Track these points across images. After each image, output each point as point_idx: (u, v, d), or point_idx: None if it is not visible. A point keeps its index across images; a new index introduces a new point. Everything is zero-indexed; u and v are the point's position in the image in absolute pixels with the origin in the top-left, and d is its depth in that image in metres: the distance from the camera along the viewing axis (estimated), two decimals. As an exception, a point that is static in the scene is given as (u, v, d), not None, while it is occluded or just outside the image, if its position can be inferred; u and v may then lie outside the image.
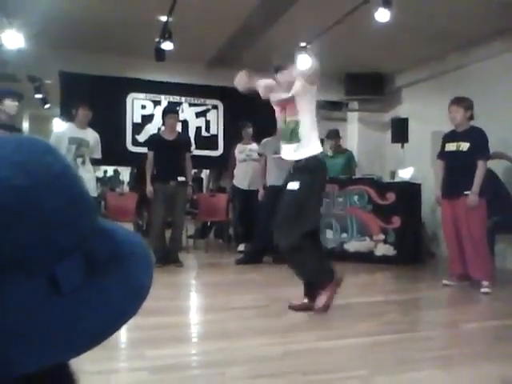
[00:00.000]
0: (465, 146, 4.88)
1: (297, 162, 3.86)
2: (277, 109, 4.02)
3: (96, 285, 0.49)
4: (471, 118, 4.96)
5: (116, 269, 0.52)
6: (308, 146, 3.84)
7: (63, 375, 0.56)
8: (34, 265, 0.45)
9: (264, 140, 6.82)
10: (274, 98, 3.98)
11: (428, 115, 7.90)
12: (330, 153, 7.87)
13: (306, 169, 3.82)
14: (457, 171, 4.91)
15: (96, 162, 6.08)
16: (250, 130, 7.40)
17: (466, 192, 4.80)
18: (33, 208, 0.45)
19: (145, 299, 0.54)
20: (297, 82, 3.84)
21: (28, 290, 0.45)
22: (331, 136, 7.82)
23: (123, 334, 3.15)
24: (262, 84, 4.00)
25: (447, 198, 5.02)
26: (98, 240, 0.52)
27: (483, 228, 4.90)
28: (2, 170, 0.45)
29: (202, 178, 12.66)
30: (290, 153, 3.89)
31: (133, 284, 0.53)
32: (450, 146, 5.02)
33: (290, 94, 3.86)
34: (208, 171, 10.84)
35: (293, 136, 3.86)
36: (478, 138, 4.85)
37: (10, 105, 4.97)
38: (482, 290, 4.69)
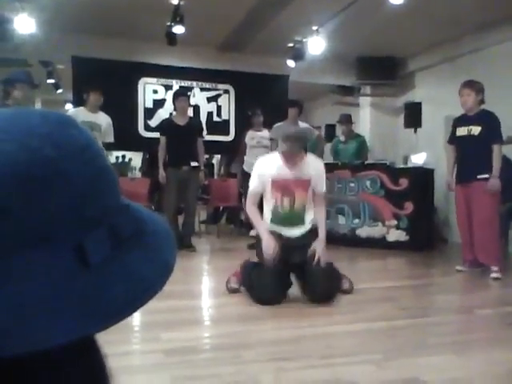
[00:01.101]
0: (476, 130, 4.80)
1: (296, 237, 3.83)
2: (277, 191, 3.76)
3: (121, 259, 0.49)
4: (482, 101, 4.87)
5: (141, 244, 0.52)
6: (309, 224, 3.87)
7: (91, 349, 0.56)
8: (62, 235, 0.45)
9: (276, 125, 6.79)
10: (283, 175, 3.74)
11: (441, 99, 7.82)
12: (342, 138, 7.84)
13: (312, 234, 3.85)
14: (469, 156, 4.84)
15: (109, 147, 6.07)
16: (261, 118, 7.38)
17: (478, 176, 4.74)
18: (61, 179, 0.46)
19: (169, 276, 0.54)
20: (318, 174, 3.82)
21: (55, 261, 0.45)
22: (343, 121, 7.77)
23: (137, 316, 3.18)
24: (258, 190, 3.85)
25: (460, 183, 4.96)
26: (122, 214, 0.52)
27: (495, 213, 4.84)
28: (31, 140, 0.45)
29: (213, 164, 12.65)
30: (292, 233, 3.83)
31: (158, 260, 0.53)
32: (461, 131, 4.94)
33: (308, 176, 3.76)
34: (219, 156, 10.84)
35: (298, 221, 3.82)
36: (489, 122, 4.76)
37: (21, 93, 4.65)
38: (492, 275, 4.66)
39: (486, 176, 4.71)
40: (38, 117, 0.49)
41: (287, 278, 3.75)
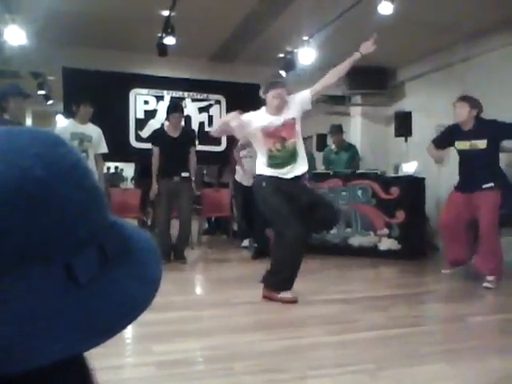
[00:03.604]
0: (482, 143, 4.70)
1: (293, 178, 4.10)
2: (268, 138, 4.06)
3: (110, 277, 0.50)
4: (477, 117, 4.80)
5: (128, 262, 0.53)
6: (303, 163, 4.15)
7: (79, 368, 0.56)
8: (53, 255, 0.46)
9: None
10: (272, 124, 4.05)
11: (432, 108, 7.87)
12: (333, 148, 7.85)
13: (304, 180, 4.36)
14: (474, 169, 4.76)
15: (104, 158, 6.08)
16: None
17: (484, 186, 4.68)
18: (52, 199, 0.46)
19: (157, 291, 0.55)
20: (300, 99, 4.13)
21: (46, 280, 0.45)
22: (334, 132, 7.79)
23: (129, 329, 3.15)
24: (234, 124, 4.06)
25: (461, 191, 4.89)
26: (110, 232, 0.53)
27: (497, 222, 4.77)
28: (22, 161, 0.45)
29: (203, 174, 12.60)
30: (286, 173, 4.08)
31: (145, 276, 0.54)
32: (461, 145, 4.85)
33: (291, 116, 4.09)
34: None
35: (292, 158, 4.10)
36: (495, 131, 4.68)
37: (14, 105, 4.69)
38: (485, 284, 4.65)
39: (492, 185, 4.68)
40: (27, 136, 0.49)
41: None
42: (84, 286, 0.47)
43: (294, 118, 4.10)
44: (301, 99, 4.14)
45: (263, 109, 4.20)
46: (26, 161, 0.46)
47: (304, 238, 3.99)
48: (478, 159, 4.74)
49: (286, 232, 3.90)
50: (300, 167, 4.12)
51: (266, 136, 4.06)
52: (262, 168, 4.13)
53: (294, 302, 3.94)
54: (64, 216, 0.46)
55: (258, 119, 4.11)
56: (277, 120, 4.06)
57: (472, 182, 4.78)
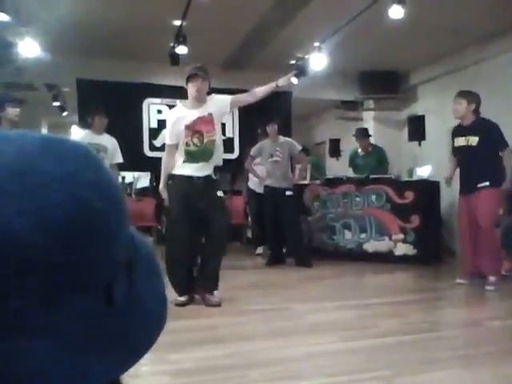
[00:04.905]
0: (474, 140, 4.79)
1: (204, 177, 4.13)
2: (187, 131, 4.10)
3: (135, 292, 0.49)
4: (476, 111, 4.87)
5: (143, 273, 0.52)
6: (215, 161, 4.22)
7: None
8: (99, 282, 0.45)
9: (259, 144, 6.89)
10: (188, 118, 4.11)
11: (445, 112, 7.78)
12: (360, 152, 7.72)
13: (216, 183, 4.40)
14: (469, 166, 4.85)
15: (119, 168, 6.15)
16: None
17: (479, 185, 4.74)
18: (106, 229, 0.45)
19: (167, 301, 0.54)
20: (220, 100, 4.26)
21: (91, 304, 0.45)
22: (359, 136, 7.62)
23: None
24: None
25: (463, 193, 4.97)
26: (132, 246, 0.52)
27: (494, 221, 4.82)
28: (80, 190, 0.44)
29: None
30: (202, 172, 4.13)
31: (156, 287, 0.53)
32: (460, 141, 4.93)
33: (209, 111, 4.15)
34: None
35: (207, 156, 4.13)
36: (486, 131, 4.74)
37: (12, 111, 4.92)
38: (487, 287, 4.67)
39: (487, 184, 4.72)
40: (70, 154, 0.46)
41: (196, 227, 4.14)
42: (118, 305, 0.46)
43: (210, 114, 4.15)
44: (220, 100, 4.25)
45: (179, 104, 4.43)
46: (83, 191, 0.44)
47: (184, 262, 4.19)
48: (472, 157, 4.80)
49: (171, 245, 4.18)
50: (210, 166, 4.18)
51: (185, 129, 4.10)
52: (178, 167, 4.15)
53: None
54: (112, 245, 0.46)
55: (180, 116, 4.17)
56: (193, 114, 4.13)
57: (469, 183, 4.85)
